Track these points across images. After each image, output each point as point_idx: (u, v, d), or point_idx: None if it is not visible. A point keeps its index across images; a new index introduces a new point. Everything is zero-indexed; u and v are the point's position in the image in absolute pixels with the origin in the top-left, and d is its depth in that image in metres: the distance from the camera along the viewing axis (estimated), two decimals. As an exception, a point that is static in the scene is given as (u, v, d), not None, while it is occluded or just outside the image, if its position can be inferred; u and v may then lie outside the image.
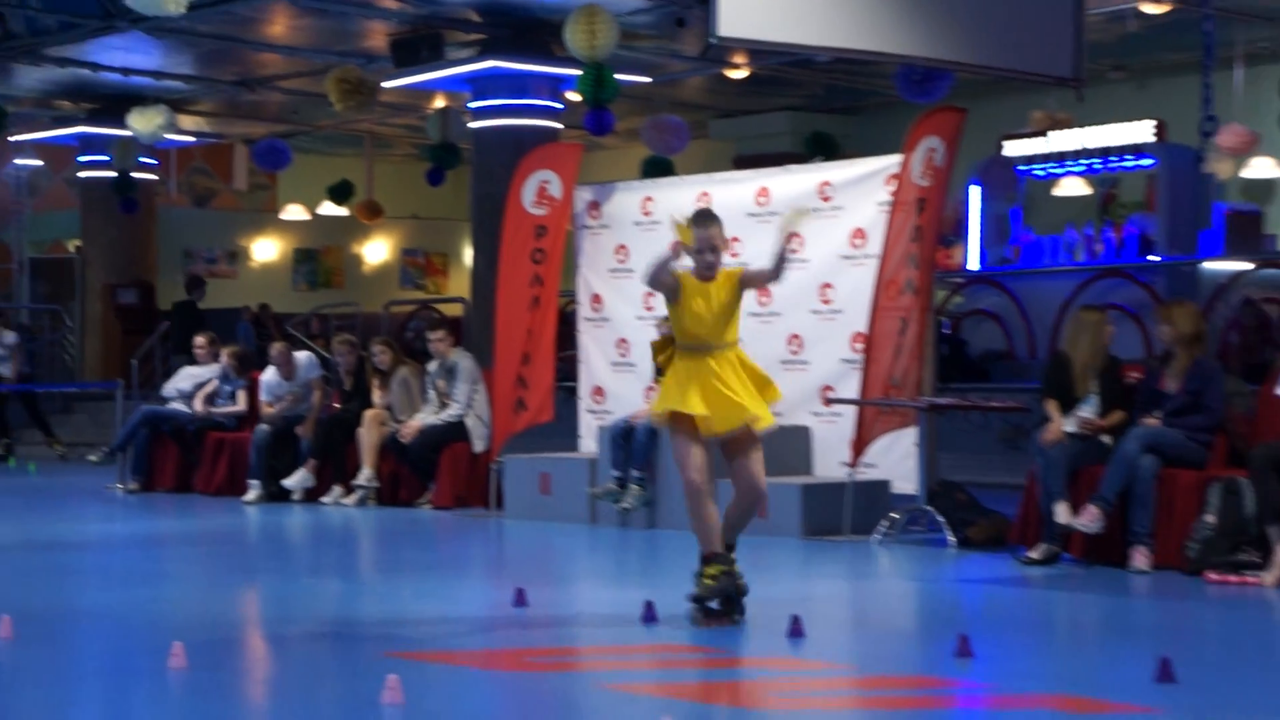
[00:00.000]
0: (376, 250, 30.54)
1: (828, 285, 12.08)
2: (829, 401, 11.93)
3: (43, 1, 18.40)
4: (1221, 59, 18.28)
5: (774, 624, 7.27)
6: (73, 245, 26.40)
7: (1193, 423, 9.74)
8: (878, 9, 11.15)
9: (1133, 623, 8.37)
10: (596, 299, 13.50)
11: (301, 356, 15.33)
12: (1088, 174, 18.91)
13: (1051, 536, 9.80)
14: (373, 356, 14.48)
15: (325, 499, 14.11)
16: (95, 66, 20.35)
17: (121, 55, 19.97)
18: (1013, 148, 18.83)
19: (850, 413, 11.57)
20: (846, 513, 11.34)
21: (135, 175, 23.22)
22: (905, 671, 6.71)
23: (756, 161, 18.49)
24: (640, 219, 13.21)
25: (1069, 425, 10.04)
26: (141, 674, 6.52)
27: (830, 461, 11.88)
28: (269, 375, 15.10)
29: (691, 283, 7.67)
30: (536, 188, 13.37)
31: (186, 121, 23.33)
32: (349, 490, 14.00)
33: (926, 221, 11.35)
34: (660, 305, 12.69)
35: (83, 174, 24.39)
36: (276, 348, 15.33)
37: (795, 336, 12.17)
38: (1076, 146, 18.21)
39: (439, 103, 21.92)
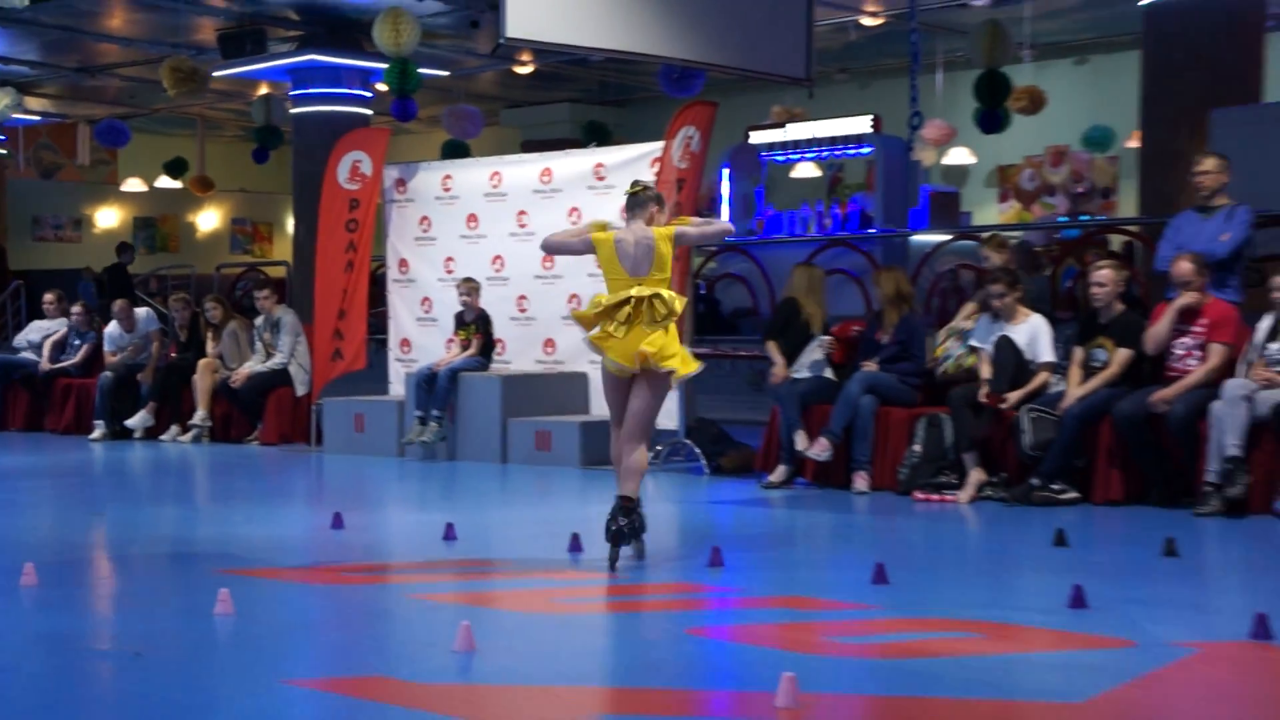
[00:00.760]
0: (208, 219, 29.88)
1: (603, 253, 12.12)
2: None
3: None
4: (926, 65, 18.67)
5: (557, 541, 7.30)
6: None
7: (903, 368, 10.00)
8: (642, 16, 11.24)
9: (854, 535, 8.55)
10: (404, 263, 13.43)
11: (141, 312, 15.14)
12: (818, 159, 19.21)
13: (789, 459, 10.01)
14: (206, 312, 14.29)
15: (164, 437, 13.86)
16: (-53, 52, 19.65)
17: (-29, 42, 19.32)
18: (756, 137, 19.06)
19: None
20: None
21: (-14, 151, 22.52)
22: (667, 579, 6.77)
23: (541, 146, 18.52)
24: (440, 194, 13.21)
25: (803, 371, 10.25)
26: (-2, 592, 6.33)
27: (603, 402, 11.90)
28: (112, 328, 14.91)
29: None
30: (350, 166, 13.29)
31: (33, 103, 22.69)
32: (185, 429, 13.77)
33: (685, 198, 11.48)
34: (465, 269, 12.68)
35: (-65, 149, 23.54)
36: (118, 304, 15.13)
37: (574, 296, 12.18)
38: (809, 136, 18.48)
39: (263, 90, 21.60)
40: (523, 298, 12.63)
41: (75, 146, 27.51)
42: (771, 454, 10.25)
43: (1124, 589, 6.26)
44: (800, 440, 9.88)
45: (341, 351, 13.10)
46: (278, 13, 18.08)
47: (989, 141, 19.16)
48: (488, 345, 12.37)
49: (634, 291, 6.83)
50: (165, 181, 27.37)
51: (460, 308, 12.44)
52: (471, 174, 13.17)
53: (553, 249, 7.61)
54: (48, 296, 15.86)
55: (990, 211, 21.84)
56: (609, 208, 12.06)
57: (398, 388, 13.14)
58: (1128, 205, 19.57)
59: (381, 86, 17.78)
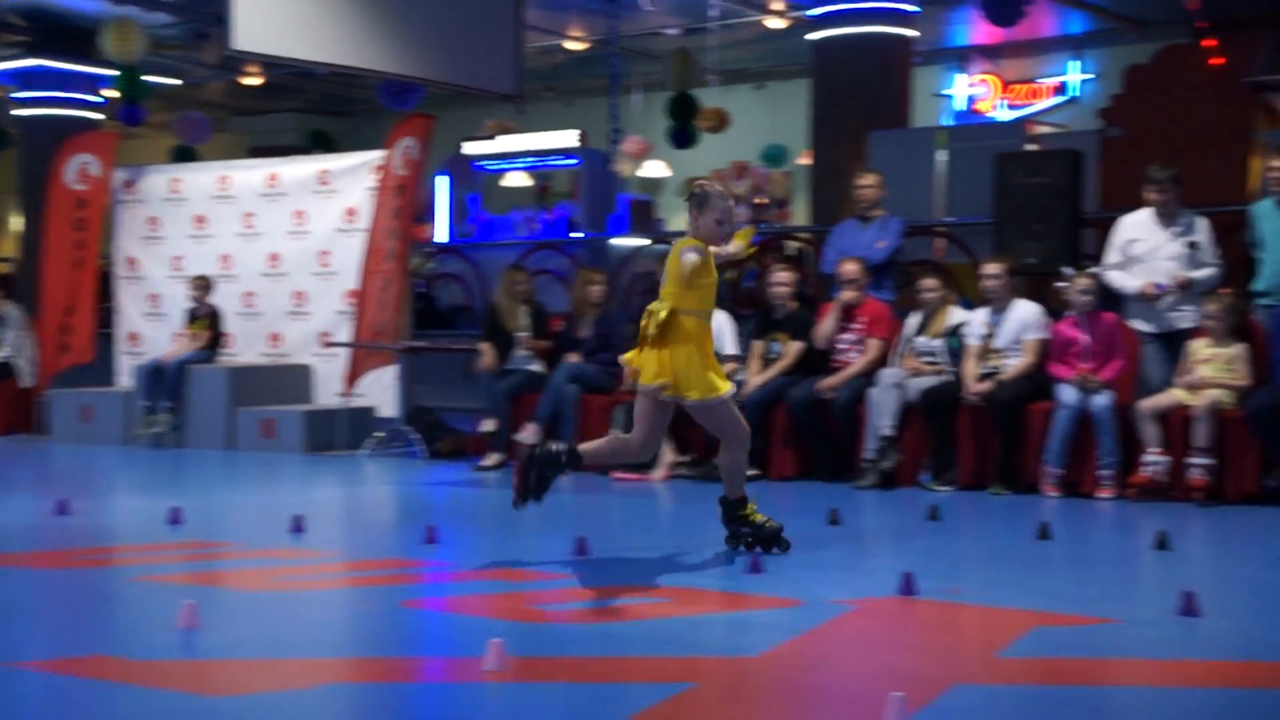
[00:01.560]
0: (-65, 217, 28.18)
1: (326, 252, 11.96)
2: (327, 345, 11.78)
3: None
4: (625, 86, 18.91)
5: (279, 522, 7.12)
6: None
7: (602, 359, 10.09)
8: (364, 34, 11.10)
9: (559, 512, 8.55)
10: (132, 261, 12.97)
11: None
12: (528, 169, 19.24)
13: (500, 447, 10.01)
14: (-68, 307, 13.48)
15: (-112, 427, 13.02)
16: None
17: None
18: (471, 148, 18.97)
19: (344, 353, 11.49)
20: (340, 433, 11.27)
21: None
22: (385, 556, 6.69)
23: (268, 152, 18.04)
24: (169, 196, 12.83)
25: (516, 362, 10.28)
26: None
27: (327, 392, 11.75)
28: None
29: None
30: (78, 168, 12.82)
31: None
32: (-89, 421, 12.97)
33: (405, 203, 11.37)
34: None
35: None
36: None
37: (300, 293, 11.98)
38: (519, 148, 18.51)
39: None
40: (250, 294, 12.31)
41: None
42: (485, 439, 10.25)
43: (794, 554, 6.44)
44: (487, 425, 10.03)
45: (70, 345, 12.59)
46: (3, 17, 17.21)
47: (680, 156, 19.50)
48: (216, 339, 12.03)
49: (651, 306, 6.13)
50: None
51: (192, 303, 12.07)
52: (200, 177, 12.81)
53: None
54: None
55: (682, 219, 22.18)
56: (332, 211, 11.94)
57: (125, 380, 12.67)
58: (800, 215, 20.17)
59: (111, 92, 17.07)
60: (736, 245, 6.38)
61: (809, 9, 15.43)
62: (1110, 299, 8.94)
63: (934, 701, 3.98)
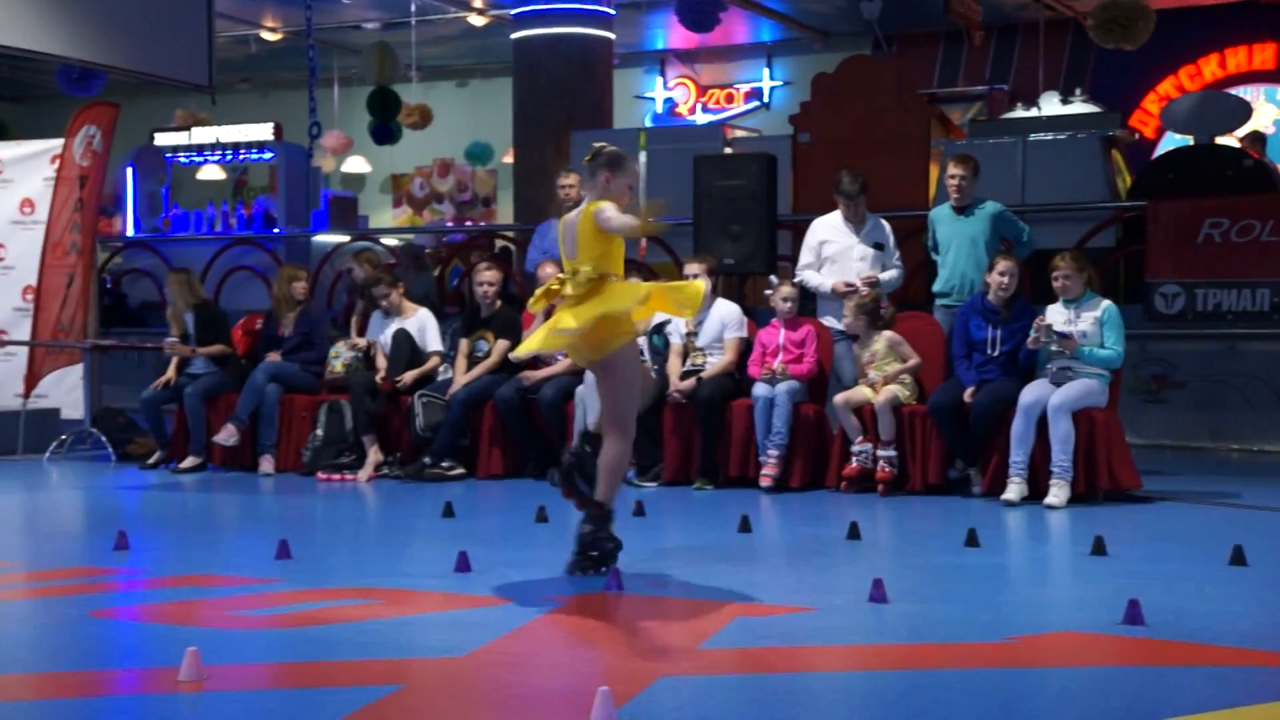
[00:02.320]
0: None
1: (1, 246, 11.31)
2: (3, 344, 11.14)
3: None
4: (324, 79, 18.56)
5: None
6: None
7: (305, 357, 9.88)
8: (42, 16, 10.53)
9: (260, 515, 8.36)
10: None
11: None
12: (223, 162, 18.64)
13: (199, 449, 9.71)
14: None
15: None
16: None
17: None
18: (162, 139, 18.27)
19: (23, 353, 10.90)
20: (20, 436, 10.69)
21: None
22: (72, 565, 6.37)
23: (-63, 139, 16.96)
24: None
25: (195, 367, 10.02)
26: None
27: (5, 394, 11.11)
28: None
29: None
30: None
31: None
32: None
33: (88, 195, 10.89)
34: None
35: None
36: None
37: (29, 288, 11.28)
38: (213, 140, 17.91)
39: None
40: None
41: None
42: (180, 441, 9.88)
43: (503, 553, 6.44)
44: (227, 433, 9.59)
45: None
46: None
47: (383, 152, 19.27)
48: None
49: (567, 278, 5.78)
50: None
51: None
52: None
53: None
54: None
55: (385, 216, 21.96)
56: (7, 202, 11.32)
57: None
58: (505, 213, 20.20)
59: None
60: (635, 221, 5.69)
61: (510, 8, 15.48)
62: (809, 299, 9.25)
63: (640, 694, 4.04)
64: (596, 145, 6.05)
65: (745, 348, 9.02)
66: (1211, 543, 6.40)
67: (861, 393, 8.53)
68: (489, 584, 5.66)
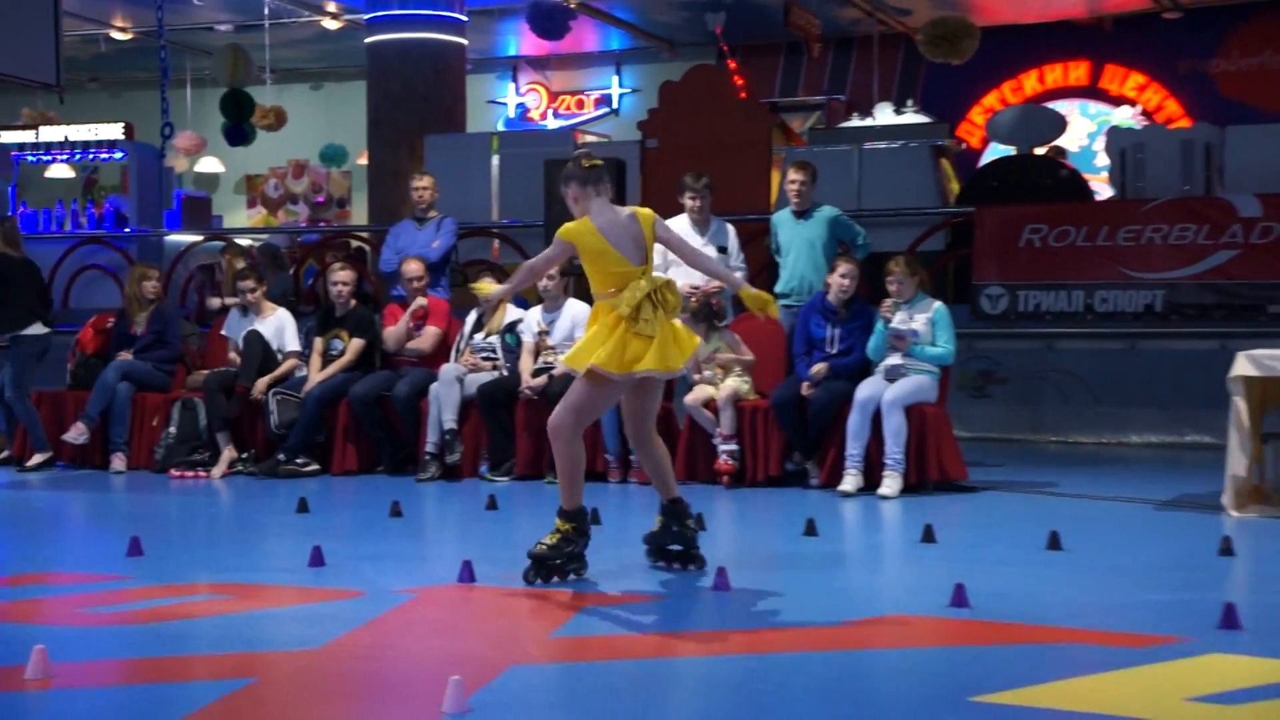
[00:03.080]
0: None
1: None
2: None
3: None
4: (177, 80, 18.15)
5: None
6: None
7: (157, 355, 9.66)
8: None
9: (112, 512, 8.15)
10: None
11: None
12: (72, 161, 18.12)
13: (40, 445, 9.44)
14: None
15: None
16: None
17: None
18: (8, 137, 17.68)
19: None
20: None
21: None
22: (-82, 565, 6.14)
23: None
24: None
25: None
26: None
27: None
28: None
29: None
30: None
31: None
32: None
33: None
34: None
35: None
36: None
37: None
38: (61, 139, 17.39)
39: None
40: None
41: None
42: (26, 440, 9.58)
43: (357, 547, 6.37)
44: (76, 432, 9.29)
45: None
46: None
47: (237, 153, 18.90)
48: None
49: (648, 283, 5.36)
50: None
51: None
52: None
53: (540, 273, 5.72)
54: None
55: (240, 216, 21.55)
56: None
57: None
58: (360, 214, 19.96)
59: None
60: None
61: (363, 12, 15.31)
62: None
63: (491, 682, 4.03)
64: (588, 151, 5.74)
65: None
66: (1031, 529, 6.58)
67: (706, 390, 8.61)
68: (342, 578, 5.60)
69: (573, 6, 16.16)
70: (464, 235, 11.13)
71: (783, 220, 9.28)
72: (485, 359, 9.17)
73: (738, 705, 3.91)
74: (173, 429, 9.30)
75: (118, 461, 9.35)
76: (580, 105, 20.11)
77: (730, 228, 9.31)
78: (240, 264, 10.23)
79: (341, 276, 9.53)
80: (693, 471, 8.59)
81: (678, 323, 5.48)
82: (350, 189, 21.29)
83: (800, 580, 5.65)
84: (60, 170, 18.43)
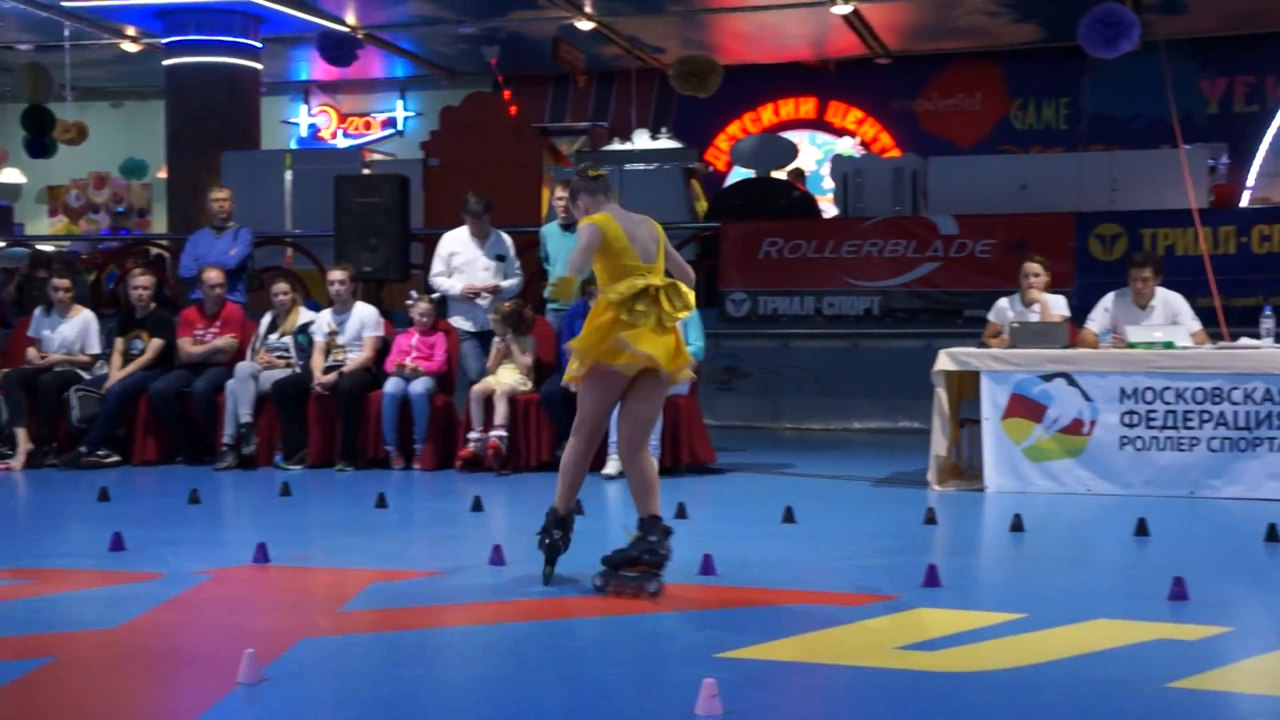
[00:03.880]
0: None
1: None
2: None
3: None
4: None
5: None
6: None
7: (-40, 357, 9.09)
8: None
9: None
10: None
11: None
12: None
13: None
14: None
15: None
16: None
17: None
18: None
19: None
20: None
21: None
22: None
23: None
24: None
25: None
26: None
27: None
28: None
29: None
30: None
31: None
32: None
33: None
34: None
35: None
36: None
37: None
38: None
39: None
40: None
41: None
42: None
43: (157, 532, 6.10)
44: None
45: None
46: None
47: (40, 165, 17.92)
48: None
49: (655, 280, 4.83)
50: None
51: None
52: None
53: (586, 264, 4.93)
54: None
55: (42, 224, 20.44)
56: None
57: None
58: (160, 223, 19.16)
59: None
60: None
61: (162, 37, 14.74)
62: (442, 303, 9.19)
63: (284, 654, 3.91)
64: (600, 168, 5.33)
65: (382, 345, 8.90)
66: (769, 505, 6.73)
67: (489, 383, 8.55)
68: (142, 561, 5.36)
69: (360, 37, 15.87)
70: (259, 244, 10.82)
71: (551, 232, 9.28)
72: (279, 357, 8.92)
73: (510, 667, 3.89)
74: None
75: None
76: (368, 126, 19.74)
77: (507, 238, 9.28)
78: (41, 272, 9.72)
79: (142, 281, 9.17)
80: (198, 454, 8.68)
81: (677, 336, 4.89)
82: (151, 200, 20.42)
83: (569, 555, 5.64)
84: None
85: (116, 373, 8.88)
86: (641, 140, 14.26)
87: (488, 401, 8.46)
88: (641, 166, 12.71)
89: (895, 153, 16.63)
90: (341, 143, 19.42)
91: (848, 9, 14.51)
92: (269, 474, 8.37)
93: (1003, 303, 8.22)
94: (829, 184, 13.94)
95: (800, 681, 3.74)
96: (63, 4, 14.67)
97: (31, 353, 9.04)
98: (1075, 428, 7.27)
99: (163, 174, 16.86)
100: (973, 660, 3.86)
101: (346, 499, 7.51)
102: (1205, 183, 11.72)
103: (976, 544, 6.20)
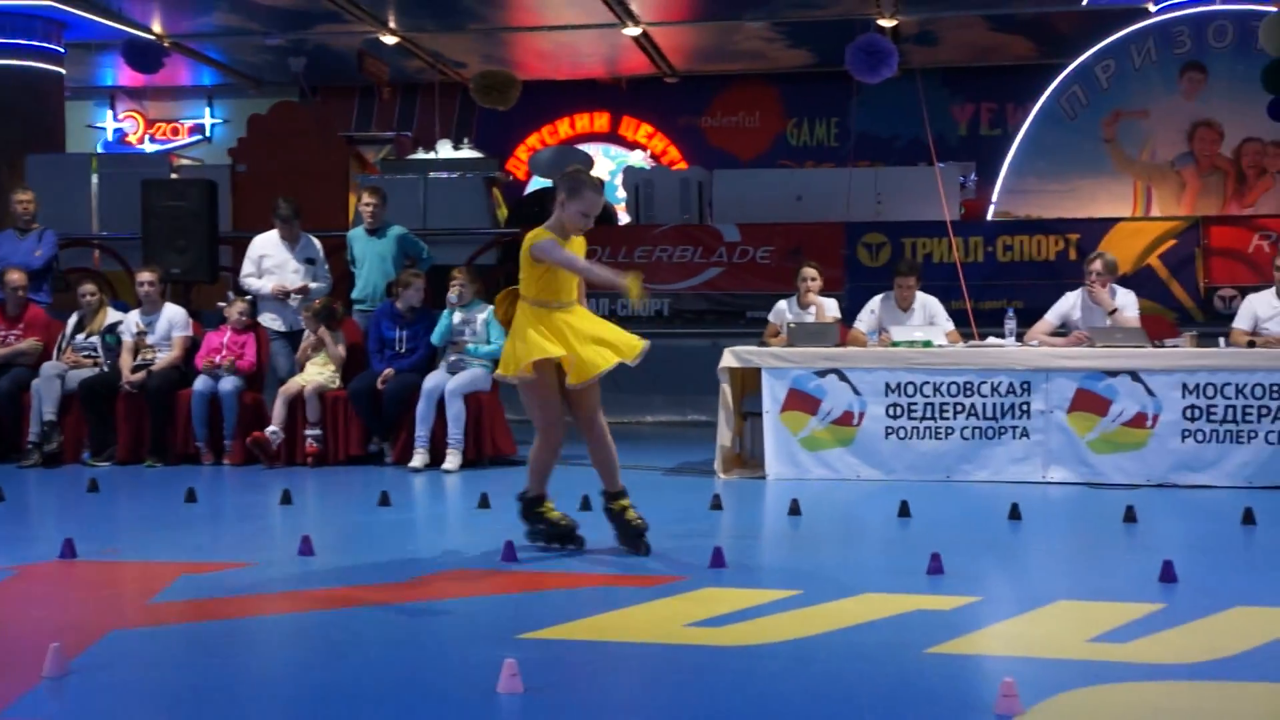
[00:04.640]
0: None
1: None
2: None
3: None
4: None
5: None
6: None
7: None
8: None
9: None
10: None
11: None
12: None
13: None
14: None
15: None
16: None
17: None
18: None
19: None
20: None
21: None
22: None
23: None
24: None
25: None
26: None
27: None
28: None
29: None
30: None
31: None
32: None
33: None
34: None
35: None
36: None
37: None
38: None
39: None
40: None
41: None
42: None
43: (-43, 533, 5.73)
44: None
45: None
46: None
47: None
48: None
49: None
50: None
51: None
52: None
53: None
54: None
55: None
56: None
57: None
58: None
59: None
60: (573, 258, 5.14)
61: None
62: (252, 303, 8.91)
63: (92, 647, 3.73)
64: (571, 168, 5.23)
65: (191, 344, 8.58)
66: (567, 493, 6.73)
67: (296, 381, 8.33)
68: (-58, 562, 5.02)
69: (167, 45, 15.21)
70: (65, 245, 10.28)
71: (358, 236, 9.11)
72: (86, 356, 8.50)
73: (316, 653, 3.80)
74: None
75: None
76: (175, 132, 18.96)
77: (317, 241, 9.08)
78: None
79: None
80: (2, 452, 8.38)
81: (606, 326, 5.16)
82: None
83: (376, 544, 5.56)
84: None
85: (-87, 373, 8.31)
86: (445, 150, 14.09)
87: (293, 401, 8.24)
88: (445, 175, 12.57)
89: (683, 165, 16.88)
90: (149, 148, 18.61)
91: (637, 31, 14.66)
92: (77, 471, 7.96)
93: (781, 305, 8.44)
94: (622, 193, 14.06)
95: (597, 659, 3.77)
96: None
97: None
98: (846, 419, 7.52)
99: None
100: (755, 634, 3.95)
101: (156, 494, 7.21)
102: (957, 197, 12.28)
103: (758, 527, 6.35)
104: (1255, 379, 7.07)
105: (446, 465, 7.91)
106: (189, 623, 4.16)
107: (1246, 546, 5.56)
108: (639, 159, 17.67)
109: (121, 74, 17.42)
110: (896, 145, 15.96)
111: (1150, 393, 7.17)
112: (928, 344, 7.65)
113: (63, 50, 14.07)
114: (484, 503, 6.45)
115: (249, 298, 8.79)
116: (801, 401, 7.54)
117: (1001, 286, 10.90)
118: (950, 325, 8.18)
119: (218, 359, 8.37)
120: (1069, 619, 4.17)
